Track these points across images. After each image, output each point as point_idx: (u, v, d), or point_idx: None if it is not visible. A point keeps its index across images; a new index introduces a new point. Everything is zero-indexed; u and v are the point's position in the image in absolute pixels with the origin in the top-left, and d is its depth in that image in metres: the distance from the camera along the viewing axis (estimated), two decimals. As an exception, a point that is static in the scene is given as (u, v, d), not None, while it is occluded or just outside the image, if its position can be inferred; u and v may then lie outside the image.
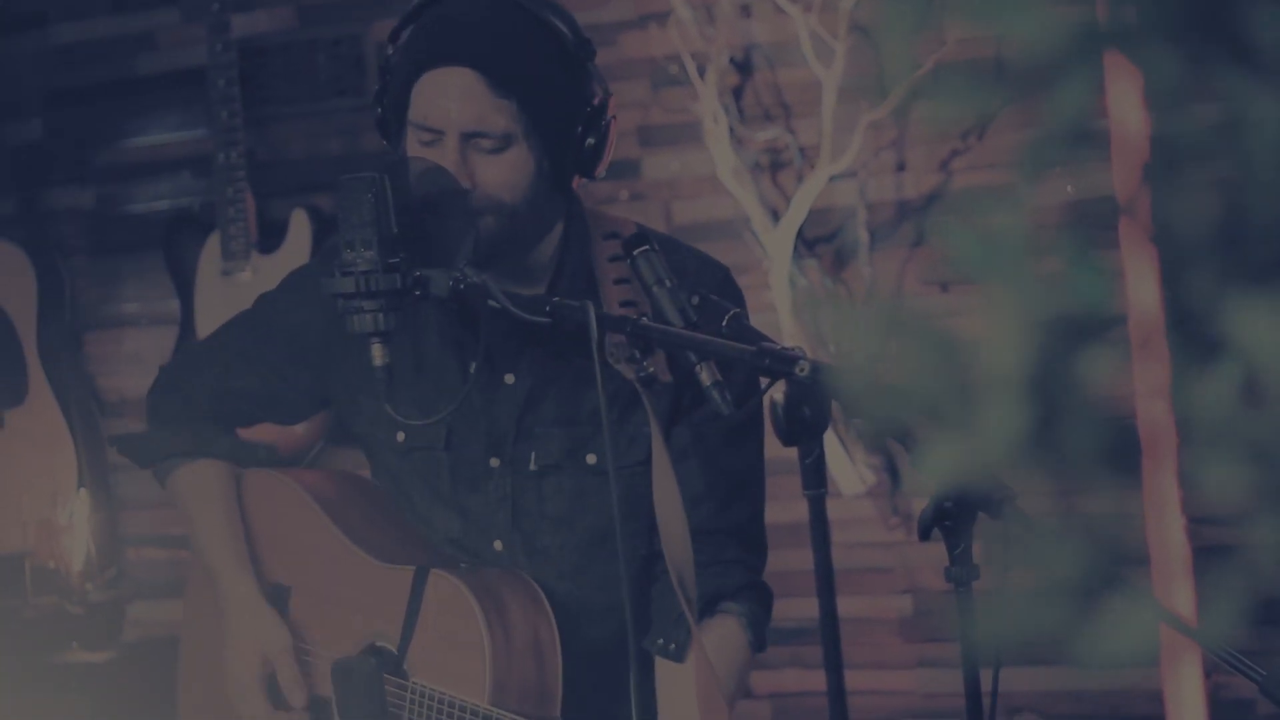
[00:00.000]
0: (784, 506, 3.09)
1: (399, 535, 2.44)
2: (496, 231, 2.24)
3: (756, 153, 4.12)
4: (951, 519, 1.85)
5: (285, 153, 4.58)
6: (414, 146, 2.24)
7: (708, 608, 2.33)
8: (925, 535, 1.87)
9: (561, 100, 2.25)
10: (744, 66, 4.14)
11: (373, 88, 2.35)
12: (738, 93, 4.15)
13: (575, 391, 2.34)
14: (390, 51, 2.31)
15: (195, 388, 2.52)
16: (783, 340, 3.25)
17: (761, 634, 2.38)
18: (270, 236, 4.40)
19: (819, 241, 4.09)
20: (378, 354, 2.13)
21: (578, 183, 2.31)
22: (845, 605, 3.38)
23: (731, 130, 4.09)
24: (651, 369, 2.12)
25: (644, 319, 2.07)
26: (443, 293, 2.12)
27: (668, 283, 2.10)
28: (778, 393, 1.94)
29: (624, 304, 2.24)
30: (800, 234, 4.03)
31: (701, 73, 4.07)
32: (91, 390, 4.71)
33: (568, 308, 2.09)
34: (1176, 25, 0.84)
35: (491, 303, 2.11)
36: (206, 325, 4.35)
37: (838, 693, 1.93)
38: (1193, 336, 0.85)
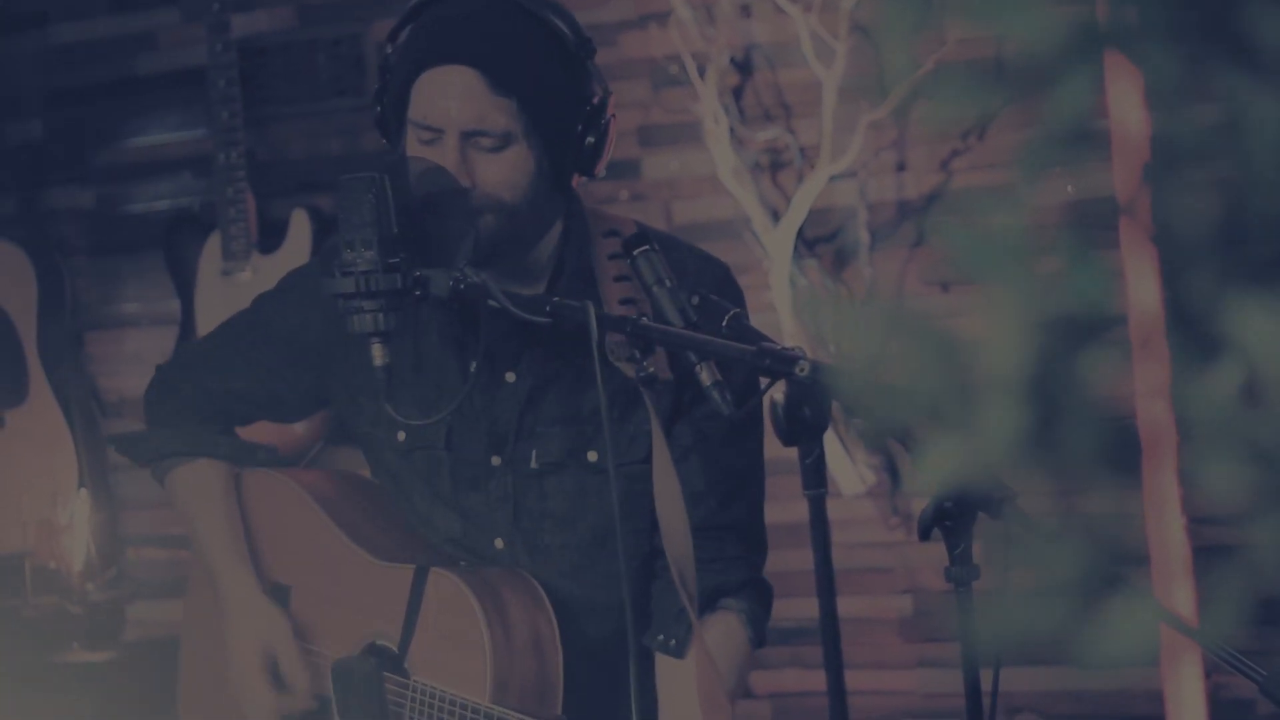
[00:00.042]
0: (784, 506, 3.09)
1: (399, 534, 2.44)
2: (496, 231, 2.24)
3: (757, 153, 4.12)
4: (952, 519, 1.85)
5: (285, 153, 4.58)
6: (414, 145, 2.24)
7: (708, 604, 2.33)
8: (925, 535, 1.87)
9: (561, 99, 2.25)
10: (744, 66, 4.14)
11: (373, 87, 2.35)
12: (738, 93, 4.15)
13: (576, 390, 2.34)
14: (389, 50, 2.31)
15: (193, 387, 2.52)
16: (783, 340, 3.25)
17: (762, 630, 2.38)
18: (270, 236, 4.40)
19: (819, 241, 4.09)
20: (378, 354, 2.12)
21: (577, 182, 2.31)
22: (845, 605, 3.38)
23: (732, 130, 4.09)
24: (652, 369, 2.12)
25: (644, 318, 2.07)
26: (443, 292, 2.12)
27: (668, 283, 2.10)
28: (778, 393, 1.94)
29: (623, 301, 2.24)
30: (800, 234, 4.03)
31: (702, 73, 4.07)
32: (92, 390, 4.71)
33: (568, 308, 2.10)
34: (1177, 25, 0.84)
35: (491, 303, 2.11)
36: (207, 325, 4.34)
37: (838, 693, 1.93)
38: (1193, 336, 0.85)
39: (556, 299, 2.12)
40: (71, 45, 4.75)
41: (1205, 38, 0.84)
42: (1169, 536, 3.53)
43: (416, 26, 2.27)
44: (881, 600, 4.10)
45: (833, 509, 1.96)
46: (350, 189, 2.11)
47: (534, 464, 2.36)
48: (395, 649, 2.35)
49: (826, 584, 1.93)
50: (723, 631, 2.33)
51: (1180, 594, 3.56)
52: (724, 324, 2.09)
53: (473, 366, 2.32)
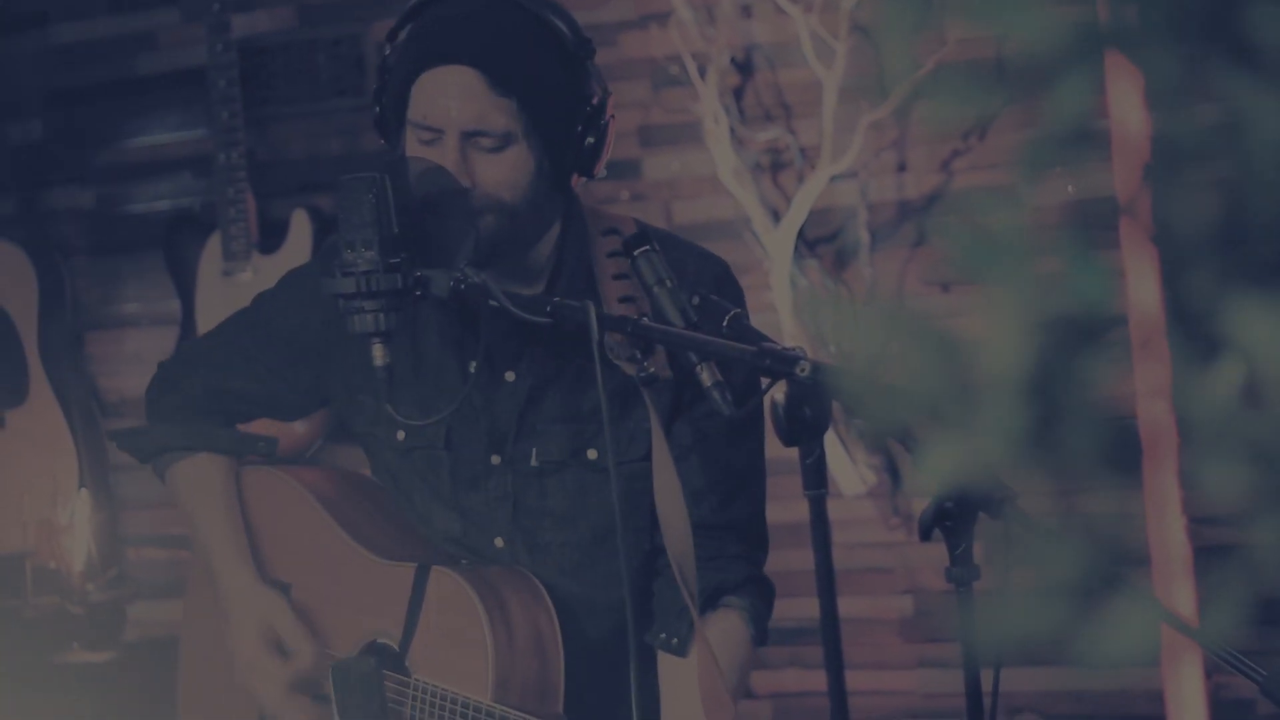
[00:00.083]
0: (785, 507, 3.09)
1: (399, 532, 2.44)
2: (496, 231, 2.24)
3: (757, 153, 4.12)
4: (952, 519, 1.85)
5: (286, 153, 4.58)
6: (413, 145, 2.24)
7: (710, 602, 2.33)
8: (926, 535, 1.87)
9: (561, 99, 2.25)
10: (745, 67, 4.14)
11: (372, 87, 2.35)
12: (738, 93, 4.15)
13: (576, 388, 2.35)
14: (388, 51, 2.30)
15: (193, 385, 2.52)
16: (783, 340, 3.25)
17: (764, 628, 2.38)
18: (271, 236, 4.40)
19: (820, 242, 4.09)
20: (378, 354, 2.13)
21: (577, 182, 2.31)
22: (846, 605, 3.38)
23: (732, 130, 4.09)
24: (652, 369, 2.12)
25: (644, 318, 2.07)
26: (443, 293, 2.12)
27: (668, 283, 2.10)
28: (778, 393, 1.94)
29: (622, 300, 2.24)
30: (801, 234, 4.03)
31: (702, 73, 4.07)
32: (92, 390, 4.71)
33: (568, 307, 2.10)
34: (1177, 25, 0.84)
35: (492, 303, 2.11)
36: (207, 325, 4.33)
37: (838, 693, 1.93)
38: (1193, 336, 0.85)
39: (557, 299, 2.12)
40: (72, 45, 4.76)
41: (1205, 38, 0.84)
42: (1169, 537, 3.53)
43: (416, 26, 2.27)
44: (882, 600, 4.10)
45: (833, 509, 1.96)
46: (350, 189, 2.11)
47: (534, 462, 2.36)
48: (396, 647, 2.35)
49: (827, 584, 1.93)
50: (725, 629, 2.33)
51: (1181, 594, 3.56)
52: (724, 324, 2.10)
53: (472, 366, 2.33)
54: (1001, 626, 0.88)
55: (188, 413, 2.52)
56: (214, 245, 4.42)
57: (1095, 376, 0.86)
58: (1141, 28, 0.85)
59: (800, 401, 1.93)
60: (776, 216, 4.05)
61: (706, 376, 2.03)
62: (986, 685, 1.86)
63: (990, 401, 0.86)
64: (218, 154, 4.37)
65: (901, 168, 4.04)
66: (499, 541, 2.39)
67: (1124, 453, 0.87)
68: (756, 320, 2.18)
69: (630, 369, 2.11)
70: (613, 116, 2.30)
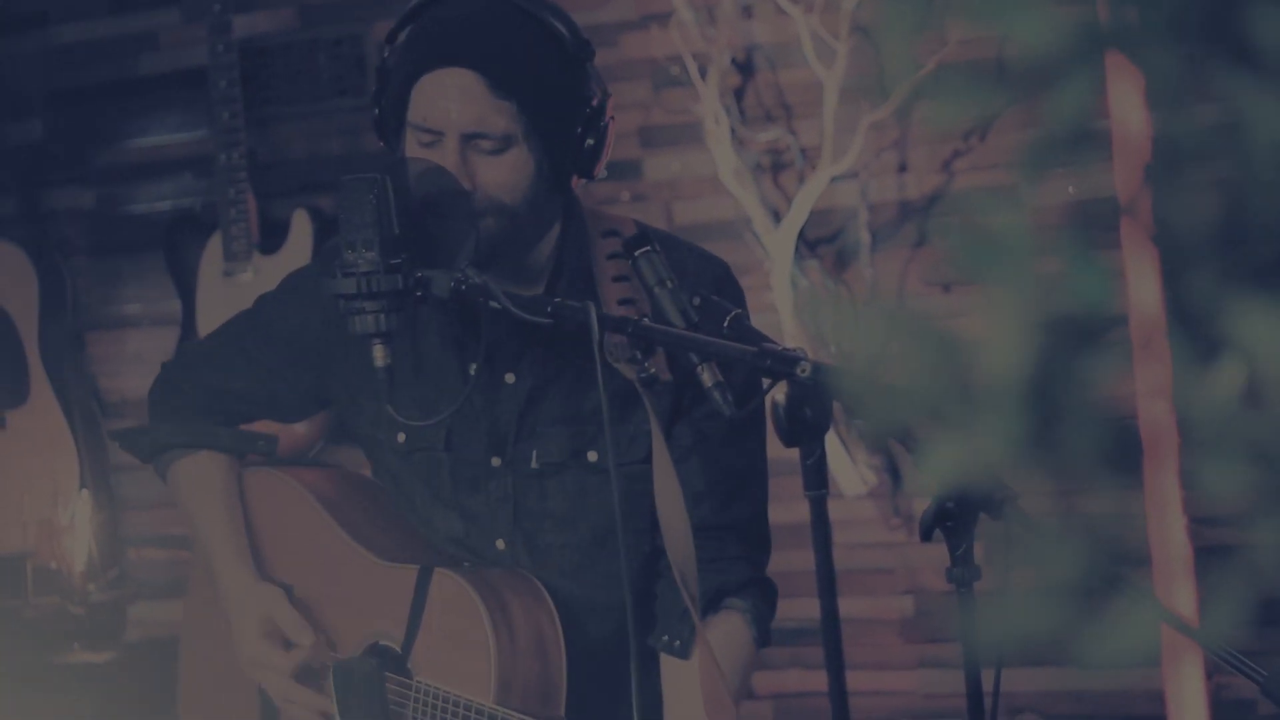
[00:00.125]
0: (786, 507, 3.09)
1: (401, 534, 2.44)
2: (497, 233, 2.24)
3: (758, 153, 4.12)
4: (953, 519, 1.85)
5: (287, 153, 4.58)
6: (413, 148, 2.24)
7: (711, 604, 2.33)
8: (927, 536, 1.87)
9: (561, 101, 2.25)
10: (745, 67, 4.14)
11: (372, 89, 2.35)
12: (739, 93, 4.15)
13: (576, 390, 2.34)
14: (388, 53, 2.30)
15: (195, 386, 2.52)
16: (784, 341, 3.25)
17: (766, 630, 2.38)
18: (272, 237, 4.40)
19: (820, 242, 4.09)
20: (379, 355, 2.13)
21: (577, 183, 2.31)
22: (847, 606, 3.38)
23: (733, 131, 4.09)
24: (653, 370, 2.12)
25: (644, 319, 2.07)
26: (444, 293, 2.12)
27: (669, 283, 2.10)
28: (779, 393, 1.94)
29: (623, 302, 2.24)
30: (802, 235, 4.03)
31: (703, 73, 4.07)
32: (93, 391, 4.71)
33: (569, 308, 2.10)
34: (1177, 26, 0.84)
35: (493, 304, 2.11)
36: (208, 326, 4.35)
37: (839, 693, 1.93)
38: (1194, 337, 0.85)
39: (557, 300, 2.12)
40: (72, 45, 4.76)
41: (1206, 38, 0.84)
42: (1170, 537, 3.53)
43: (415, 29, 2.27)
44: (883, 601, 4.10)
45: (834, 509, 1.97)
46: (351, 190, 2.11)
47: (534, 464, 2.36)
48: (398, 649, 2.35)
49: (828, 585, 1.93)
50: (726, 631, 2.33)
51: (1181, 594, 3.56)
52: (725, 325, 2.10)
53: (473, 368, 2.33)
54: (1002, 627, 0.88)
55: (190, 413, 2.53)
56: (215, 245, 4.42)
57: (1096, 377, 0.86)
58: (1142, 28, 0.85)
59: (801, 402, 1.93)
60: (777, 217, 4.05)
61: (707, 377, 2.03)
62: (987, 685, 1.86)
63: (991, 402, 0.86)
64: (219, 154, 4.37)
65: (902, 168, 4.04)
66: (500, 543, 2.39)
67: (1124, 453, 0.87)
68: (757, 321, 2.18)
69: (630, 371, 2.11)
70: (612, 118, 2.30)
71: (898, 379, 0.90)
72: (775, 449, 2.18)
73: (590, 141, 2.27)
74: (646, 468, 2.27)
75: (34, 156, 4.79)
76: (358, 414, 2.45)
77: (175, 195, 4.69)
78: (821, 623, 1.94)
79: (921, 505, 2.56)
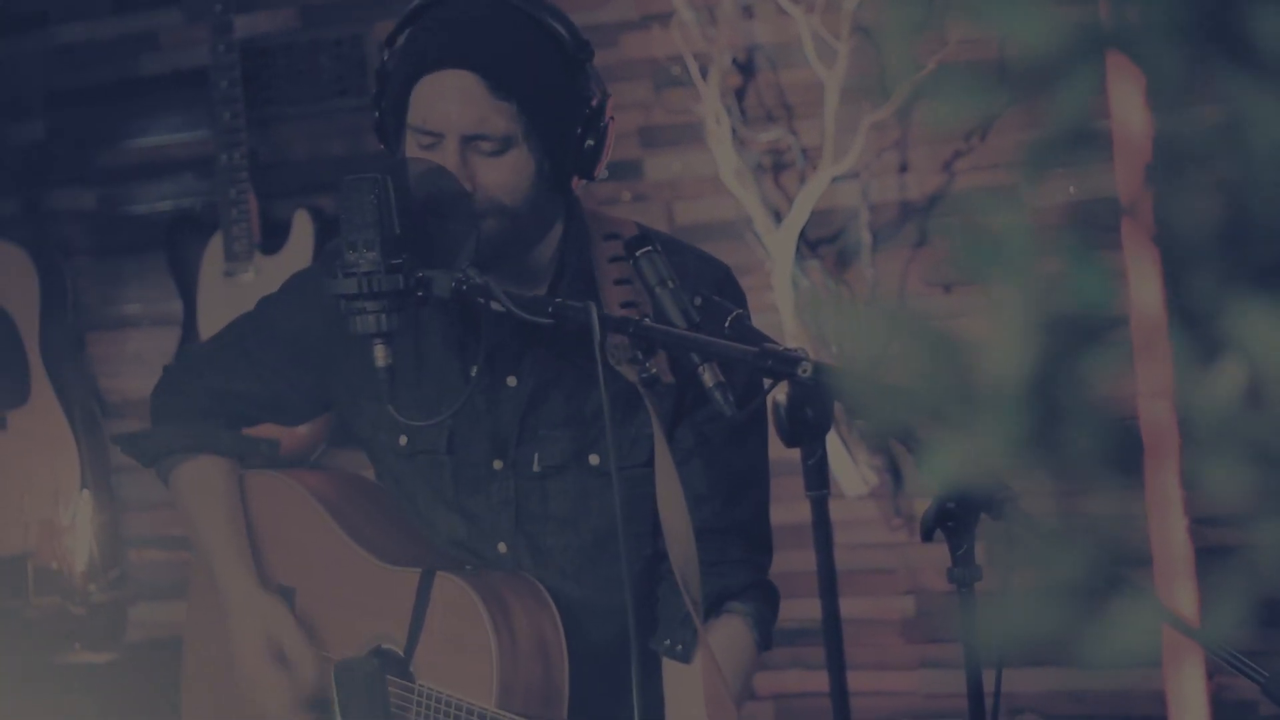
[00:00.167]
0: (787, 508, 3.09)
1: (403, 537, 2.44)
2: (498, 233, 2.24)
3: (759, 153, 4.12)
4: (954, 520, 1.85)
5: (288, 153, 4.58)
6: (413, 150, 2.24)
7: (713, 608, 2.33)
8: (928, 536, 1.87)
9: (560, 101, 2.25)
10: (746, 67, 4.14)
11: (373, 91, 2.35)
12: (740, 93, 4.14)
13: (578, 393, 2.34)
14: (387, 56, 2.30)
15: (198, 389, 2.52)
16: (785, 341, 3.25)
17: (768, 633, 2.38)
18: (273, 237, 4.40)
19: (821, 242, 4.09)
20: (380, 355, 2.13)
21: (578, 184, 2.31)
22: (848, 606, 3.38)
23: (734, 131, 4.08)
24: (654, 370, 2.12)
25: (646, 320, 2.07)
26: (445, 293, 2.12)
27: (670, 284, 2.10)
28: (780, 394, 1.94)
29: (625, 305, 2.24)
30: (803, 235, 4.03)
31: (704, 73, 4.07)
32: (94, 391, 4.71)
33: (570, 309, 2.09)
34: (1179, 26, 0.84)
35: (494, 305, 2.11)
36: (209, 326, 4.35)
37: (840, 693, 1.93)
38: (1195, 337, 0.85)
39: (559, 300, 2.12)
40: (74, 46, 4.75)
41: (1207, 38, 0.84)
42: (1171, 537, 3.53)
43: (414, 31, 2.27)
44: (884, 601, 4.10)
45: (835, 510, 1.96)
46: (352, 190, 2.11)
47: (536, 467, 2.36)
48: (401, 652, 2.35)
49: (829, 585, 1.93)
50: (728, 635, 2.33)
51: (1182, 595, 3.56)
52: (726, 325, 2.09)
53: (474, 370, 2.32)
54: (1003, 627, 0.88)
55: (192, 416, 2.52)
56: (216, 246, 4.42)
57: (1097, 377, 0.86)
58: (1143, 28, 0.85)
59: (802, 402, 1.93)
60: (778, 217, 4.05)
61: (709, 377, 2.03)
62: (988, 686, 1.86)
63: (992, 402, 0.86)
64: (220, 154, 4.37)
65: (903, 168, 4.03)
66: (502, 546, 2.38)
67: (1125, 453, 0.87)
68: (758, 321, 2.17)
69: (631, 373, 2.11)
70: (612, 118, 2.30)
71: (899, 379, 0.90)
72: (776, 449, 2.18)
73: (590, 142, 2.27)
74: (648, 470, 2.27)
75: (35, 157, 4.79)
76: (360, 416, 2.45)
77: (176, 195, 4.69)
78: (823, 623, 1.94)
79: (922, 505, 2.56)
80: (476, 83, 2.20)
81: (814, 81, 4.00)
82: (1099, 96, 0.87)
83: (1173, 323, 0.86)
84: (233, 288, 4.35)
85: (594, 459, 2.35)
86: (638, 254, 2.13)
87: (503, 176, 2.23)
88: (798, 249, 4.01)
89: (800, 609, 3.29)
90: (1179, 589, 3.55)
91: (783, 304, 3.98)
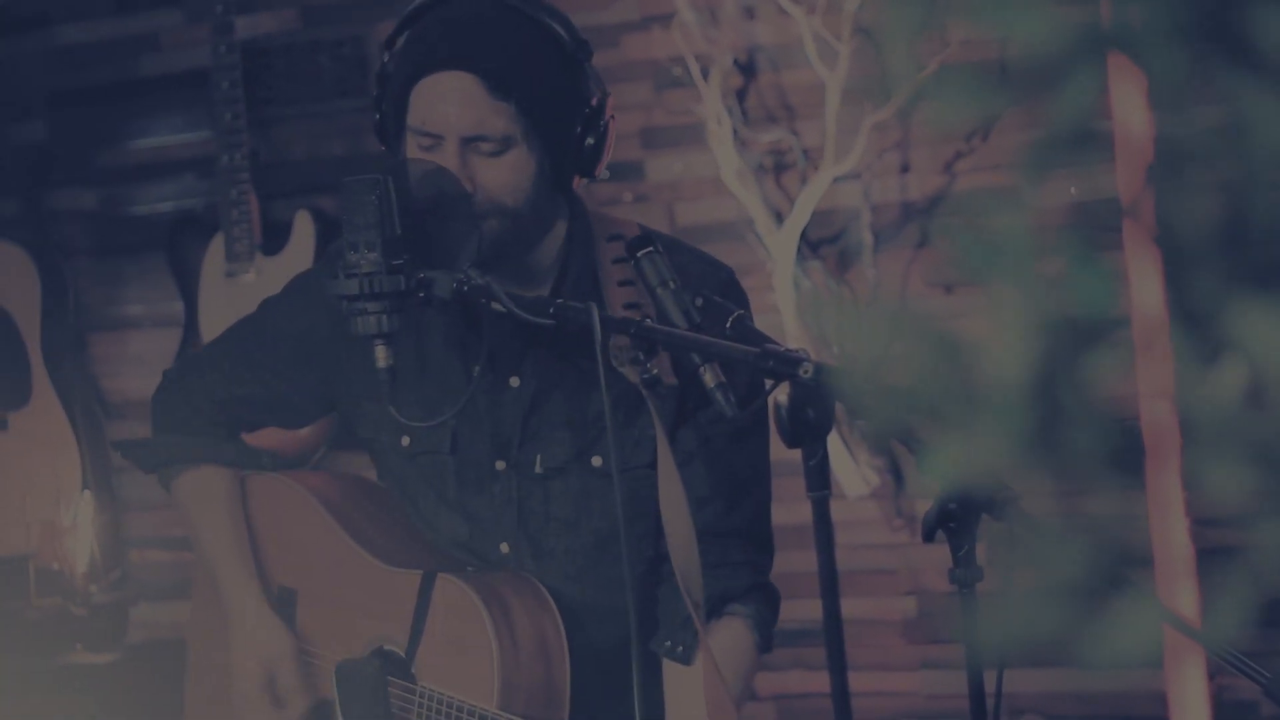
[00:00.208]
0: (788, 508, 3.09)
1: (405, 538, 2.44)
2: (500, 234, 2.24)
3: (760, 154, 4.12)
4: (955, 520, 1.85)
5: (289, 154, 4.58)
6: (413, 151, 2.24)
7: (714, 609, 2.33)
8: (929, 537, 1.87)
9: (560, 101, 2.25)
10: (747, 68, 4.14)
11: (374, 93, 2.35)
12: (741, 94, 4.14)
13: (580, 394, 2.34)
14: (386, 58, 2.30)
15: (199, 393, 2.51)
16: (787, 342, 3.25)
17: (768, 635, 2.38)
18: (274, 238, 4.40)
19: (823, 243, 4.09)
20: (381, 355, 2.13)
21: (579, 184, 2.31)
22: (849, 607, 3.38)
23: (735, 132, 4.08)
24: (656, 371, 2.12)
25: (648, 321, 2.07)
26: (446, 294, 2.12)
27: (672, 284, 2.10)
28: (782, 394, 1.94)
29: (628, 306, 2.24)
30: (804, 236, 4.03)
31: (705, 74, 4.07)
32: (95, 392, 4.71)
33: (571, 309, 2.10)
34: (1180, 27, 0.84)
35: (496, 305, 2.11)
36: (210, 327, 4.35)
37: (841, 694, 1.93)
38: (1196, 338, 0.85)
39: (560, 301, 2.12)
40: (75, 46, 4.75)
41: (1208, 39, 0.84)
42: (1172, 538, 3.53)
43: (413, 33, 2.27)
44: (885, 602, 4.10)
45: (836, 510, 1.96)
46: (353, 190, 2.11)
47: (538, 468, 2.36)
48: (402, 654, 2.35)
49: (830, 585, 1.93)
50: (729, 637, 2.33)
51: (1183, 595, 3.56)
52: (728, 326, 2.09)
53: (475, 370, 2.32)
54: (1004, 628, 0.88)
55: (193, 421, 2.52)
56: (217, 246, 4.42)
57: (1098, 378, 0.86)
58: (1145, 29, 0.85)
59: (803, 403, 1.93)
60: (779, 218, 4.05)
61: (710, 378, 2.03)
62: (990, 687, 1.86)
63: (993, 403, 0.86)
64: (221, 155, 4.37)
65: (905, 169, 4.03)
66: (504, 547, 2.38)
67: (1127, 454, 0.87)
68: (760, 322, 2.17)
69: (633, 374, 2.11)
70: (612, 117, 2.30)
71: (900, 380, 0.90)
72: (778, 450, 2.18)
73: (590, 141, 2.27)
74: (650, 472, 2.27)
75: (36, 157, 4.79)
76: (362, 417, 2.45)
77: (177, 196, 4.69)
78: (824, 623, 1.94)
79: (924, 506, 2.56)
80: (475, 84, 2.20)
81: (815, 82, 4.00)
82: (1100, 97, 0.87)
83: (1174, 323, 0.86)
84: (234, 288, 4.35)
85: (596, 460, 2.35)
86: (639, 255, 2.13)
87: (503, 177, 2.23)
88: (799, 250, 4.01)
89: (801, 610, 3.29)
90: (1180, 590, 3.55)
91: (784, 305, 3.98)
